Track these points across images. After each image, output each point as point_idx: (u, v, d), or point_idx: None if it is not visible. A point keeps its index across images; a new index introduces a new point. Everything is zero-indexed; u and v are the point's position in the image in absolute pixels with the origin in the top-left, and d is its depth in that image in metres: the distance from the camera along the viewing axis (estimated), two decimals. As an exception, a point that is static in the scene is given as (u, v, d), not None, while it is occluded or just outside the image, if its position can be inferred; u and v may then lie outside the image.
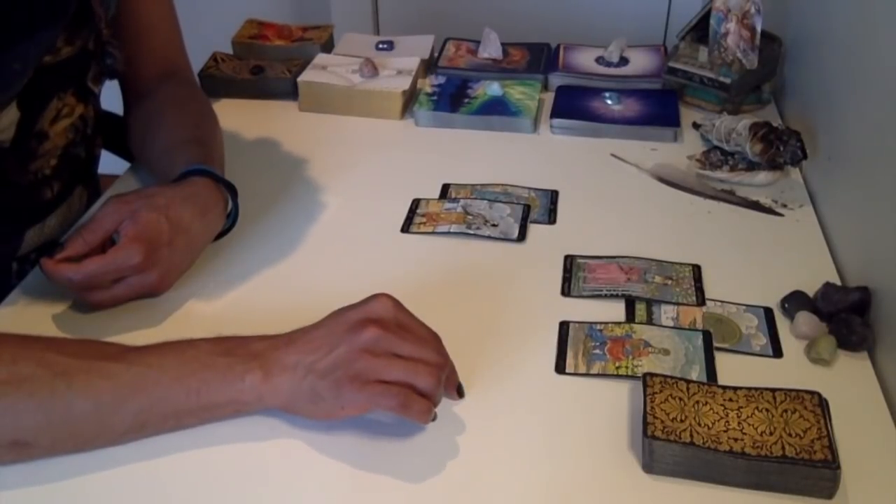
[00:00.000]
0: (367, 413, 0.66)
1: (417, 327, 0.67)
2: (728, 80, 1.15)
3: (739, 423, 0.65)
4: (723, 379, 0.73)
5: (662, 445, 0.63)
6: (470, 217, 0.95)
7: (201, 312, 0.82)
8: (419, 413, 0.64)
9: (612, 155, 1.09)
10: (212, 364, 0.65)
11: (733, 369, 0.74)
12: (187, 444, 0.66)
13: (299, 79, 1.19)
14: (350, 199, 1.00)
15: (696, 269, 0.86)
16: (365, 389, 0.63)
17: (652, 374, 0.69)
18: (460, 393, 0.69)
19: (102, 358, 0.65)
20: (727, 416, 0.66)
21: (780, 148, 1.00)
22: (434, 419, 0.65)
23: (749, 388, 0.68)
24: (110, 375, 0.64)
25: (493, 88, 1.19)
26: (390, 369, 0.64)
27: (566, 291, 0.84)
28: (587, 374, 0.74)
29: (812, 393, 0.67)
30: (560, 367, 0.75)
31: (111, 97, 1.05)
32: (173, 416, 0.65)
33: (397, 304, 0.67)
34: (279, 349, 0.66)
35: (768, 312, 0.81)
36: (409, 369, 0.64)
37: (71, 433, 0.64)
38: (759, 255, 0.90)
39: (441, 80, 1.24)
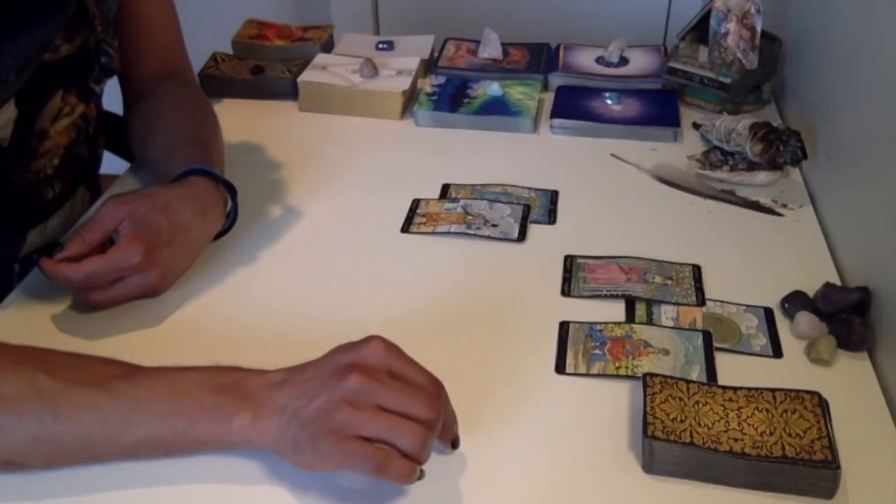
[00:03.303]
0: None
1: (413, 374, 0.62)
2: (728, 80, 1.15)
3: (739, 423, 0.65)
4: (723, 379, 0.73)
5: (662, 445, 0.63)
6: (470, 217, 0.95)
7: (201, 313, 0.82)
8: (398, 476, 0.59)
9: (612, 155, 1.09)
10: (201, 401, 0.63)
11: (733, 369, 0.74)
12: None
13: (299, 79, 1.19)
14: (350, 199, 1.00)
15: (696, 269, 0.86)
16: (341, 445, 0.58)
17: (652, 374, 0.69)
18: (454, 445, 0.65)
19: (92, 385, 0.63)
20: (727, 416, 0.66)
21: (780, 148, 1.00)
22: (421, 478, 0.60)
23: (749, 389, 0.68)
24: (98, 410, 0.62)
25: (493, 88, 1.19)
26: (370, 424, 0.58)
27: (566, 291, 0.84)
28: (587, 374, 0.74)
29: (812, 393, 0.67)
30: (560, 367, 0.75)
31: (111, 97, 1.05)
32: (162, 447, 0.63)
33: (391, 348, 0.62)
34: (272, 389, 0.63)
35: (768, 312, 0.81)
36: (391, 427, 0.58)
37: (61, 459, 0.63)
38: (759, 255, 0.90)
39: (441, 80, 1.24)
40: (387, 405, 0.59)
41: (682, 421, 0.65)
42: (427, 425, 0.59)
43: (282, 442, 0.61)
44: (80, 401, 0.62)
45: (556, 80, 1.25)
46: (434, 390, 0.62)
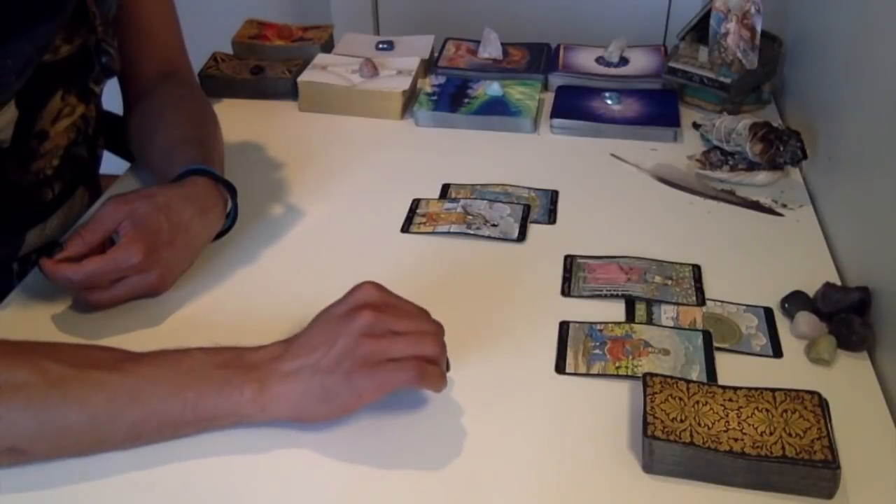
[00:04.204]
0: (384, 397, 0.66)
1: (405, 304, 0.69)
2: (728, 80, 1.15)
3: (739, 423, 0.65)
4: (723, 379, 0.73)
5: (662, 445, 0.63)
6: (470, 217, 0.95)
7: (201, 312, 0.82)
8: (435, 379, 0.65)
9: (612, 155, 1.09)
10: (208, 376, 0.65)
11: (733, 369, 0.74)
12: (187, 454, 0.66)
13: (299, 79, 1.19)
14: (350, 199, 1.00)
15: (696, 269, 0.86)
16: (377, 371, 0.64)
17: (652, 374, 0.69)
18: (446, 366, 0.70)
19: (98, 367, 0.64)
20: (727, 416, 0.66)
21: (780, 148, 1.00)
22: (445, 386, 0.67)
23: (749, 388, 0.68)
24: (105, 386, 0.63)
25: (493, 88, 1.19)
26: (395, 346, 0.65)
27: (566, 291, 0.84)
28: (587, 374, 0.74)
29: (812, 393, 0.67)
30: (560, 367, 0.75)
31: (111, 97, 1.05)
32: (169, 426, 0.64)
33: (380, 287, 0.68)
34: (277, 359, 0.66)
35: (768, 312, 0.81)
36: (413, 341, 0.65)
37: (66, 442, 0.63)
38: (759, 255, 0.90)
39: (441, 80, 1.24)
40: (399, 329, 0.66)
41: (682, 421, 0.65)
42: (438, 334, 0.67)
43: (306, 399, 0.64)
44: (87, 380, 0.63)
45: (556, 80, 1.25)
46: (426, 313, 0.69)
